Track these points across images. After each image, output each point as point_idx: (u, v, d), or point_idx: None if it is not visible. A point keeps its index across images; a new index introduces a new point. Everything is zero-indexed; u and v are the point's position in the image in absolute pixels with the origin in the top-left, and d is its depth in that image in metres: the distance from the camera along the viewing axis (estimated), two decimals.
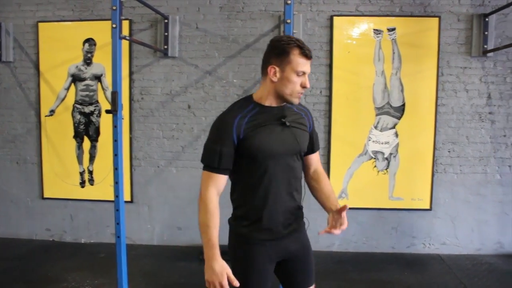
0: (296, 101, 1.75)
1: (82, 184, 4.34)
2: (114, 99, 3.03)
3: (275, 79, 1.70)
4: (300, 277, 1.90)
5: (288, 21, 2.84)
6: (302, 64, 1.68)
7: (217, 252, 1.65)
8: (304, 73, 1.69)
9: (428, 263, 4.04)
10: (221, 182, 1.72)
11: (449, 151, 4.16)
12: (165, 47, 4.12)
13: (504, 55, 4.05)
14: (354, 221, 4.17)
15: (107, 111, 3.02)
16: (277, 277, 1.91)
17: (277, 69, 1.69)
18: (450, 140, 4.14)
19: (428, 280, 3.64)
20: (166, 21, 4.10)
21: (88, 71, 4.22)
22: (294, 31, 3.68)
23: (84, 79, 4.22)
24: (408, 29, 4.05)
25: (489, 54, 4.02)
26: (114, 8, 2.94)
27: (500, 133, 4.12)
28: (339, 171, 4.14)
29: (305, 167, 1.94)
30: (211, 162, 1.70)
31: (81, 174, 4.33)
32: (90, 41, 4.19)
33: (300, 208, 1.89)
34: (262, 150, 1.70)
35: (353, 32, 4.06)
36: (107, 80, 4.23)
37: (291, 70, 1.67)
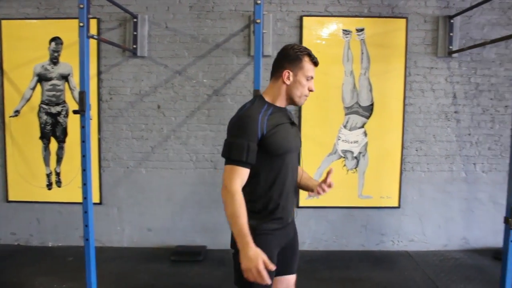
0: (302, 103, 2.03)
1: (49, 186, 4.37)
2: (82, 99, 3.09)
3: (288, 82, 1.96)
4: (293, 262, 2.16)
5: (258, 21, 2.96)
6: (311, 70, 1.97)
7: (250, 240, 1.78)
8: (312, 78, 1.98)
9: (397, 260, 4.23)
10: (245, 175, 1.88)
11: (416, 150, 4.36)
12: (134, 46, 4.19)
13: (468, 56, 4.27)
14: (324, 220, 4.34)
15: (75, 112, 3.08)
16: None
17: (291, 73, 1.95)
18: (418, 139, 4.35)
19: (397, 277, 3.82)
20: (135, 20, 4.17)
21: (54, 71, 4.25)
22: (264, 31, 3.84)
23: (50, 79, 4.25)
24: (377, 30, 4.23)
25: (454, 55, 4.24)
26: (82, 6, 2.99)
27: (465, 132, 4.35)
28: (309, 170, 4.25)
29: None
30: (239, 156, 1.85)
31: (48, 176, 4.36)
32: (56, 40, 4.21)
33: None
34: (283, 146, 1.93)
35: (323, 32, 4.22)
36: (75, 79, 4.26)
37: (302, 74, 1.95)
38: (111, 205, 4.43)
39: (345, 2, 4.21)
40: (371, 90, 4.25)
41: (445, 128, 4.35)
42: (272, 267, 1.78)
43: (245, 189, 1.90)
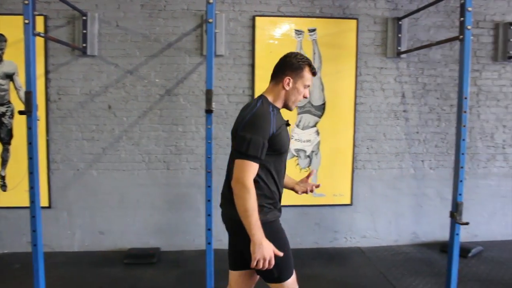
0: (293, 108, 2.29)
1: None
2: (28, 100, 3.11)
3: (287, 88, 2.20)
4: None
5: (210, 20, 3.08)
6: (310, 80, 2.23)
7: (263, 233, 2.02)
8: (308, 86, 2.24)
9: (350, 256, 4.51)
10: (256, 171, 2.10)
11: (367, 148, 4.64)
12: (84, 45, 4.23)
13: (416, 57, 4.59)
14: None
15: (20, 112, 3.11)
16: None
17: (291, 80, 2.19)
18: (369, 137, 4.63)
19: (350, 273, 4.08)
20: (84, 18, 4.21)
21: None
22: (216, 30, 3.99)
23: None
24: (328, 30, 4.47)
25: (403, 56, 4.54)
26: (26, 2, 2.97)
27: (414, 130, 4.67)
28: None
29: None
30: (255, 152, 2.05)
31: None
32: (0, 37, 4.19)
33: None
34: (285, 145, 2.21)
35: (275, 32, 4.41)
36: (20, 79, 4.26)
37: (301, 83, 2.20)
38: (60, 208, 4.46)
39: (297, 2, 4.41)
40: (323, 90, 4.48)
41: (394, 126, 4.65)
42: (280, 254, 2.05)
43: None
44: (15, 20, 4.12)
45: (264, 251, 2.00)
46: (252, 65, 4.43)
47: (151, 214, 4.53)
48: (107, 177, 4.46)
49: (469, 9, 3.14)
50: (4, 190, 4.39)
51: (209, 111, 3.07)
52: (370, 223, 4.75)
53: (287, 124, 2.28)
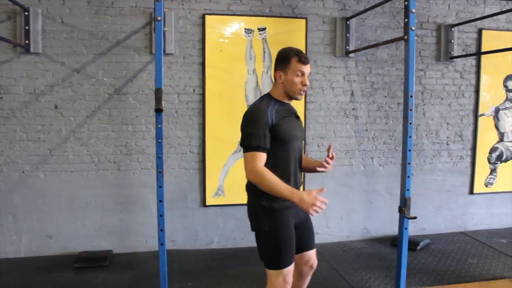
0: (299, 97, 2.43)
1: None
2: None
3: (280, 81, 2.39)
4: (305, 239, 2.59)
5: (159, 18, 3.02)
6: (301, 67, 2.34)
7: (296, 190, 2.26)
8: (303, 73, 2.35)
9: None
10: (264, 158, 2.29)
11: (318, 146, 4.69)
12: (27, 42, 4.07)
13: (364, 56, 4.68)
14: (232, 218, 4.53)
15: None
16: None
17: (282, 73, 2.37)
18: (319, 135, 4.68)
19: None
20: (26, 13, 4.04)
21: None
22: (165, 29, 3.93)
23: None
24: (278, 29, 4.49)
25: (351, 55, 4.63)
26: None
27: (363, 128, 4.76)
28: (214, 168, 4.46)
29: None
30: (258, 143, 2.26)
31: None
32: None
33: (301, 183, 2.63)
34: (289, 135, 2.37)
35: (225, 31, 4.40)
36: None
37: (292, 73, 2.34)
38: (5, 213, 4.27)
39: (247, 1, 4.42)
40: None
41: (344, 124, 4.72)
42: (320, 196, 2.26)
43: None
44: None
45: (307, 202, 2.19)
46: (203, 64, 4.39)
47: (102, 216, 4.41)
48: (55, 179, 4.30)
49: (413, 10, 3.24)
50: None
51: (158, 110, 3.02)
52: (322, 220, 4.80)
53: (296, 117, 2.50)
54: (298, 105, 4.50)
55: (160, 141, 3.07)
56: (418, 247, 4.52)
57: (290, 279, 2.42)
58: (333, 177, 4.76)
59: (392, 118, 4.80)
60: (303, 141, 2.70)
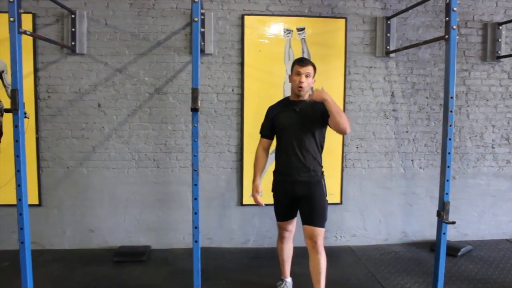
0: (297, 91, 3.10)
1: None
2: (14, 97, 3.08)
3: (290, 81, 3.18)
4: (304, 214, 3.14)
5: (196, 19, 3.01)
6: (297, 68, 3.08)
7: (254, 178, 3.31)
8: (299, 73, 3.06)
9: (339, 255, 4.45)
10: (265, 142, 3.32)
11: (357, 147, 4.58)
12: (73, 43, 4.19)
13: (405, 56, 4.53)
14: (268, 217, 4.49)
15: (6, 110, 3.06)
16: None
17: (290, 75, 3.18)
18: (358, 136, 4.57)
19: (339, 271, 4.02)
20: (73, 16, 4.16)
21: None
22: (202, 29, 3.93)
23: None
24: (317, 29, 4.41)
25: (392, 55, 4.49)
26: (11, 0, 2.95)
27: (403, 129, 4.61)
28: (252, 169, 4.39)
29: (330, 122, 3.03)
30: (260, 130, 3.33)
31: None
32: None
33: (309, 168, 3.09)
34: (280, 125, 3.14)
35: (264, 31, 4.37)
36: (9, 77, 4.20)
37: (293, 74, 3.12)
38: (51, 206, 4.41)
39: (286, 1, 4.37)
40: (311, 89, 4.40)
41: (384, 125, 4.59)
42: (260, 203, 3.33)
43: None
44: (4, 17, 4.07)
45: (252, 189, 3.37)
46: (242, 64, 4.38)
47: (141, 212, 4.48)
48: (97, 175, 4.41)
49: (454, 9, 3.10)
50: None
51: (194, 110, 3.02)
52: (360, 222, 4.69)
53: (294, 110, 3.09)
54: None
55: (196, 140, 3.06)
56: (459, 253, 4.34)
57: (282, 229, 3.36)
58: (371, 179, 4.64)
59: (434, 119, 4.63)
60: (309, 131, 3.10)
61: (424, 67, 4.58)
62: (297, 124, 3.06)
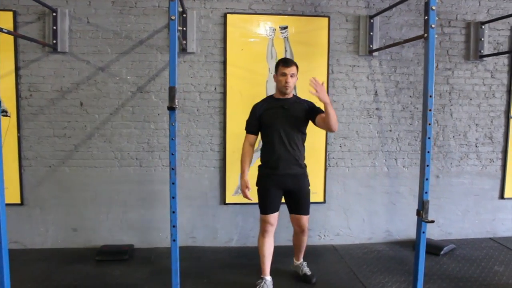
0: (284, 90, 3.31)
1: None
2: None
3: (275, 81, 3.37)
4: (294, 205, 3.45)
5: (173, 17, 2.96)
6: (282, 69, 3.27)
7: (243, 174, 3.42)
8: (284, 74, 3.27)
9: (322, 254, 4.44)
10: (251, 138, 3.44)
11: (340, 146, 4.56)
12: (54, 41, 4.15)
13: (388, 55, 4.51)
14: (252, 216, 4.47)
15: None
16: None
17: (275, 75, 3.37)
18: (341, 135, 4.55)
19: (321, 270, 4.00)
20: (54, 14, 4.12)
21: None
22: (184, 28, 3.90)
23: None
24: (300, 28, 4.39)
25: (375, 54, 4.47)
26: None
27: (387, 128, 4.59)
28: (235, 167, 4.40)
29: (321, 121, 3.28)
30: (246, 127, 3.44)
31: None
32: None
33: (297, 161, 3.35)
34: (266, 121, 3.32)
35: (247, 29, 4.34)
36: None
37: (278, 74, 3.31)
38: (33, 205, 4.39)
39: (269, 0, 4.33)
40: (294, 87, 4.38)
41: (367, 124, 4.57)
42: (248, 198, 3.45)
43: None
44: None
45: (241, 185, 3.50)
46: (224, 62, 4.35)
47: (124, 211, 4.46)
48: (80, 174, 4.38)
49: (433, 7, 3.08)
50: None
51: (171, 108, 2.98)
52: (343, 221, 4.67)
53: (282, 107, 3.32)
54: (317, 103, 4.36)
55: (173, 138, 3.03)
56: (442, 252, 4.33)
57: (267, 223, 3.40)
58: (355, 177, 4.63)
59: (417, 118, 4.61)
60: (295, 127, 3.35)
61: (408, 65, 4.56)
62: (285, 120, 3.29)
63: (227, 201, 4.52)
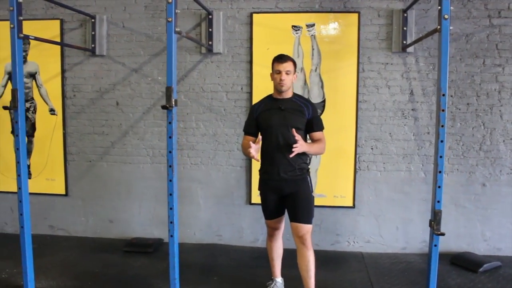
0: (279, 88, 3.02)
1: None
2: (14, 96, 3.30)
3: (271, 79, 3.08)
4: (291, 212, 3.08)
5: (170, 19, 2.99)
6: (276, 66, 2.99)
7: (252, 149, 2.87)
8: (279, 72, 2.97)
9: (347, 261, 4.17)
10: (248, 139, 3.11)
11: (372, 148, 4.25)
12: (93, 45, 4.39)
13: (426, 51, 4.11)
14: None
15: (5, 107, 3.30)
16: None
17: (271, 73, 3.08)
18: (373, 137, 4.24)
19: (337, 278, 3.77)
20: (93, 20, 4.37)
21: (23, 69, 4.53)
22: (209, 29, 3.91)
23: None
24: (328, 25, 4.18)
25: (410, 50, 4.10)
26: (11, 8, 3.18)
27: (424, 130, 4.19)
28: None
29: (312, 140, 3.12)
30: (244, 128, 3.23)
31: None
32: (24, 40, 4.48)
33: (294, 166, 3.01)
34: (263, 123, 3.06)
35: (273, 28, 4.22)
36: (41, 77, 4.54)
37: (273, 72, 3.04)
38: (76, 197, 4.68)
39: None
40: (322, 87, 4.20)
41: (402, 126, 4.21)
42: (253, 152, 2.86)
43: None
44: (37, 24, 4.42)
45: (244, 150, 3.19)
46: (250, 62, 4.28)
47: (155, 206, 4.58)
48: (116, 169, 4.59)
49: None
50: (29, 178, 4.70)
51: (164, 107, 2.99)
52: (374, 228, 4.35)
53: (279, 108, 3.02)
54: (347, 103, 4.19)
55: (170, 137, 3.03)
56: (481, 269, 3.82)
57: (270, 227, 3.27)
58: (388, 182, 4.28)
59: (460, 120, 4.14)
60: (291, 127, 2.95)
61: (449, 62, 4.08)
62: (281, 122, 3.00)
63: (252, 201, 4.44)
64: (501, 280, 3.69)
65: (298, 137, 2.81)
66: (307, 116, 3.05)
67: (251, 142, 2.91)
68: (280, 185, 3.05)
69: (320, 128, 3.13)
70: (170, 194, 3.13)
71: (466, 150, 4.15)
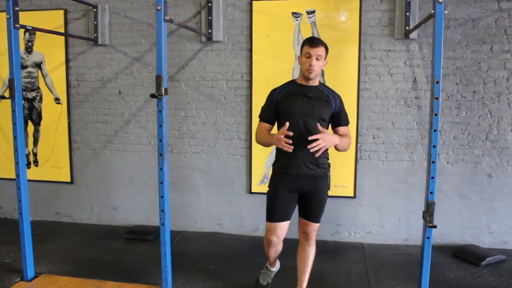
0: (307, 75, 2.66)
1: (28, 165, 4.75)
2: (12, 86, 3.32)
3: (299, 63, 2.71)
4: (303, 209, 2.84)
5: (159, 7, 2.94)
6: (306, 49, 2.63)
7: (273, 136, 2.62)
8: (309, 56, 2.62)
9: (346, 251, 4.08)
10: (264, 125, 2.81)
11: (373, 137, 4.13)
12: (95, 35, 4.39)
13: (430, 37, 3.94)
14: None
15: (2, 97, 3.33)
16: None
17: (299, 56, 2.72)
18: (375, 126, 4.12)
19: (333, 268, 3.68)
20: (95, 10, 4.36)
21: (29, 59, 4.60)
22: (209, 17, 3.85)
23: (26, 67, 4.60)
24: (328, 12, 4.06)
25: (413, 36, 3.94)
26: None
27: (427, 119, 4.02)
28: (261, 156, 4.26)
29: (336, 133, 2.78)
30: (260, 114, 2.86)
31: (27, 156, 4.74)
32: (30, 31, 4.53)
33: (317, 160, 2.69)
34: (285, 110, 2.69)
35: (273, 16, 4.13)
36: (46, 67, 4.58)
37: (303, 55, 2.66)
38: (81, 184, 4.72)
39: None
40: (322, 75, 4.08)
41: (404, 115, 4.07)
42: (285, 134, 2.50)
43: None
44: (42, 15, 4.45)
45: (275, 138, 2.58)
46: (250, 50, 4.20)
47: (157, 194, 4.55)
48: (119, 158, 4.60)
49: None
50: (36, 166, 4.78)
51: (153, 96, 2.95)
52: (376, 218, 4.23)
53: (305, 95, 2.67)
54: (348, 91, 4.07)
55: (161, 125, 3.00)
56: (483, 263, 3.67)
57: (273, 233, 2.78)
58: (390, 172, 4.15)
59: (465, 108, 3.97)
60: (317, 118, 2.67)
61: (454, 49, 3.94)
62: (307, 111, 2.65)
63: (253, 190, 4.38)
64: (504, 274, 3.54)
65: (323, 130, 2.53)
66: (333, 108, 2.73)
67: (284, 129, 2.49)
68: (299, 181, 2.71)
69: (347, 122, 2.82)
70: (161, 183, 3.10)
71: (472, 140, 3.98)
